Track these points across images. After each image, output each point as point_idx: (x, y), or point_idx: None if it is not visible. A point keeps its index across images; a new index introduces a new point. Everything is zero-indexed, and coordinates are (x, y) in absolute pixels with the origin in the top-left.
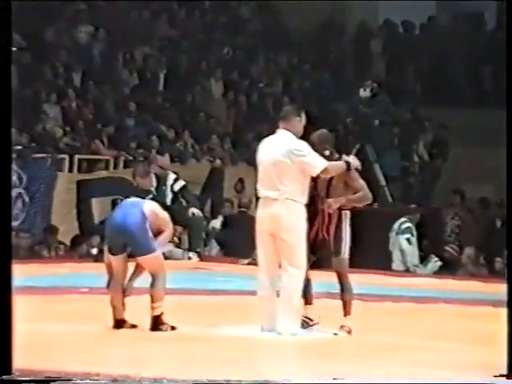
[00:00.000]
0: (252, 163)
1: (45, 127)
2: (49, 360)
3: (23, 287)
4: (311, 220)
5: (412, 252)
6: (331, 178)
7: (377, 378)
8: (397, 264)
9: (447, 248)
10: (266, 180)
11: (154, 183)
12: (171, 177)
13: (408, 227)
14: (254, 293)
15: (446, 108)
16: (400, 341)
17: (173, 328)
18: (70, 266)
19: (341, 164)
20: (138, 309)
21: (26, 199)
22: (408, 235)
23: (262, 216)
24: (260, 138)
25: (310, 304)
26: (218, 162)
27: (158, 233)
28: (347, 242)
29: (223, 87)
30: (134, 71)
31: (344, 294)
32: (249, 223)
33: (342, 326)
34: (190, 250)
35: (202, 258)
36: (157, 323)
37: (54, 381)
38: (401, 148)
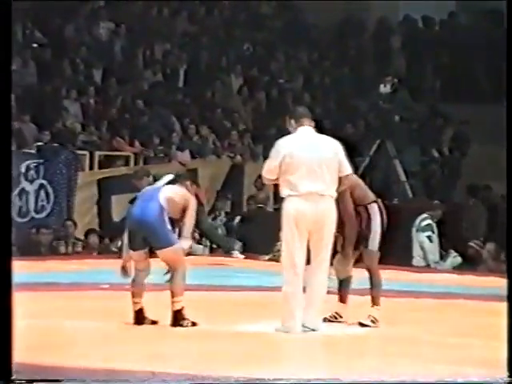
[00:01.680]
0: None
1: (65, 123)
2: (69, 356)
3: (44, 283)
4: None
5: (433, 249)
6: None
7: (397, 374)
8: (417, 260)
9: (471, 244)
10: (311, 176)
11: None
12: (166, 178)
13: (428, 224)
14: (274, 289)
15: (465, 104)
16: (420, 336)
17: (194, 324)
18: (91, 262)
19: None
20: (159, 304)
21: (49, 190)
22: (429, 233)
23: (305, 211)
24: (281, 133)
25: (344, 303)
26: (238, 158)
27: (183, 212)
28: (377, 234)
29: (243, 83)
30: (155, 68)
31: (372, 287)
32: (267, 219)
33: (368, 316)
34: (227, 252)
35: (218, 254)
36: (177, 318)
37: (48, 381)
38: (421, 144)
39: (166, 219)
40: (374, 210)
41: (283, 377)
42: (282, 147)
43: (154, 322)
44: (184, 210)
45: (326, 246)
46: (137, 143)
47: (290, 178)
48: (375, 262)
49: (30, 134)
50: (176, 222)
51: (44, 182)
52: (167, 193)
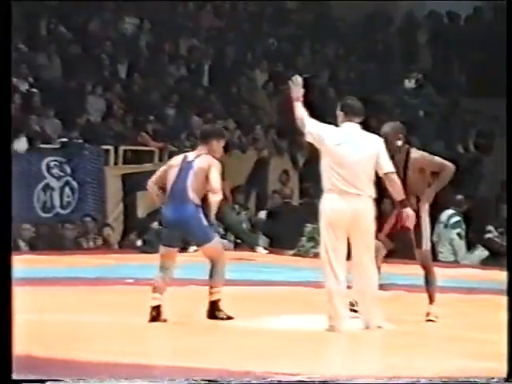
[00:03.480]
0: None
1: (90, 119)
2: (93, 351)
3: (69, 278)
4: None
5: (462, 245)
6: (405, 170)
7: (426, 370)
8: (445, 256)
9: (494, 238)
10: (350, 174)
11: None
12: None
13: (458, 221)
14: (299, 284)
15: (490, 99)
16: (445, 332)
17: (229, 317)
18: (117, 257)
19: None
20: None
21: (75, 186)
22: (459, 229)
23: (339, 210)
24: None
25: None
26: (263, 153)
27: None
28: (428, 233)
29: (268, 78)
30: (180, 63)
31: (428, 284)
32: (292, 214)
33: (428, 313)
34: (251, 247)
35: (242, 249)
36: (213, 309)
37: (47, 381)
38: (446, 139)
39: (202, 215)
40: (425, 208)
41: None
42: (332, 134)
43: (164, 320)
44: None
45: (369, 245)
46: (161, 138)
47: (331, 171)
48: (430, 259)
49: (54, 129)
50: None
51: (69, 178)
52: (192, 183)
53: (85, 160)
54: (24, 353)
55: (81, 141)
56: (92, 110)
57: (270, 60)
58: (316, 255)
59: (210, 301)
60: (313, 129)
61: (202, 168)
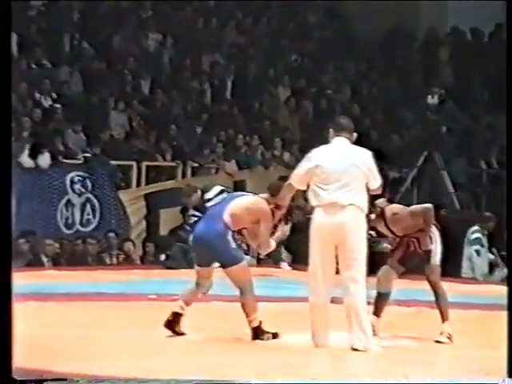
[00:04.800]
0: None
1: (112, 134)
2: (114, 367)
3: (92, 293)
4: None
5: (481, 262)
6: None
7: None
8: (465, 271)
9: None
10: (334, 186)
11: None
12: (214, 190)
13: (477, 238)
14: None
15: None
16: (466, 348)
17: (274, 335)
18: (139, 272)
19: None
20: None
21: (96, 203)
22: (477, 246)
23: (327, 223)
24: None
25: (378, 316)
26: (285, 168)
27: (258, 222)
28: (438, 250)
29: (291, 94)
30: (203, 78)
31: (439, 301)
32: None
33: (441, 333)
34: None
35: (265, 265)
36: (257, 334)
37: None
38: (469, 155)
39: (230, 237)
40: (433, 230)
41: None
42: (313, 157)
43: (182, 334)
44: (259, 221)
45: (355, 260)
46: (184, 154)
47: (316, 188)
48: (438, 276)
49: (77, 144)
50: (250, 233)
51: (90, 195)
52: (234, 208)
53: (106, 177)
54: (43, 367)
55: (103, 156)
56: (114, 126)
57: (292, 76)
58: (338, 272)
59: (252, 328)
60: (296, 176)
61: (255, 205)
